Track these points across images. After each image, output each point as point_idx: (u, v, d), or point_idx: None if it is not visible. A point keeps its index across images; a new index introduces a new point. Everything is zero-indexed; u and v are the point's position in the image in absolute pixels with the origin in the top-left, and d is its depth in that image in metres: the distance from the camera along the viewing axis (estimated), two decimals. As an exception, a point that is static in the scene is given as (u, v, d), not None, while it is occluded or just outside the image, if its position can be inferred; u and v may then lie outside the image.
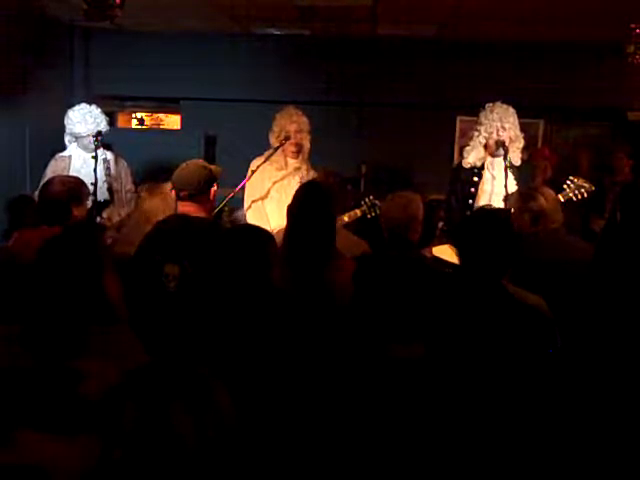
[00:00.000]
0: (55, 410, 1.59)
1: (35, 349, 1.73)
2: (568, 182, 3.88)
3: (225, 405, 1.55)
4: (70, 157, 4.62)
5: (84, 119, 4.55)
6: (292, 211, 2.81)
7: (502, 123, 4.04)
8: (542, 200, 3.21)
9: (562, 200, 3.68)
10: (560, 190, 3.80)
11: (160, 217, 3.31)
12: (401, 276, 2.72)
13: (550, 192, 3.33)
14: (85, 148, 4.58)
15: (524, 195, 3.33)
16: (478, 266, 2.25)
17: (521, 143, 4.13)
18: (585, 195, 3.86)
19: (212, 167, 3.20)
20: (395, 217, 3.09)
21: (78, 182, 3.48)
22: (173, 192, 3.13)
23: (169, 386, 1.51)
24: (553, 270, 2.81)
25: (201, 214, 3.08)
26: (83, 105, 4.66)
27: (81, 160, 4.60)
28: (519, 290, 2.42)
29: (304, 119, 4.33)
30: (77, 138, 4.61)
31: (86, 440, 1.54)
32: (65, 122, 4.65)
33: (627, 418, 2.02)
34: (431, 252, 3.88)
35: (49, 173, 4.47)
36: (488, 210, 3.07)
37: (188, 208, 3.06)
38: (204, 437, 1.46)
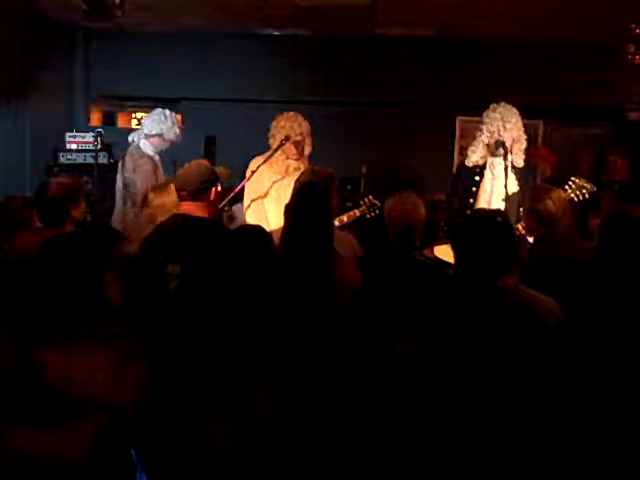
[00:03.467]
0: (33, 405, 1.61)
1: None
2: (570, 183, 3.88)
3: (266, 413, 1.59)
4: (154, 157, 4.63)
5: (174, 124, 4.60)
6: (289, 210, 2.82)
7: (504, 122, 4.02)
8: (549, 202, 3.22)
9: None
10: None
11: (166, 216, 3.32)
12: (405, 277, 2.72)
13: (559, 194, 3.33)
14: (159, 151, 4.63)
15: (532, 196, 3.34)
16: (472, 267, 2.24)
17: (523, 144, 4.12)
18: (587, 196, 3.86)
19: (218, 169, 3.21)
20: (400, 218, 3.06)
21: (75, 183, 3.49)
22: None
23: (206, 393, 1.55)
24: (561, 271, 2.80)
25: (201, 214, 3.08)
26: (168, 111, 4.68)
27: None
28: (528, 291, 2.41)
29: (305, 123, 4.32)
30: (159, 140, 4.59)
31: (64, 430, 1.59)
32: (150, 122, 4.61)
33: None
34: (433, 252, 3.87)
35: (146, 172, 4.40)
36: (484, 212, 3.06)
37: (188, 208, 3.07)
38: (239, 442, 1.50)
